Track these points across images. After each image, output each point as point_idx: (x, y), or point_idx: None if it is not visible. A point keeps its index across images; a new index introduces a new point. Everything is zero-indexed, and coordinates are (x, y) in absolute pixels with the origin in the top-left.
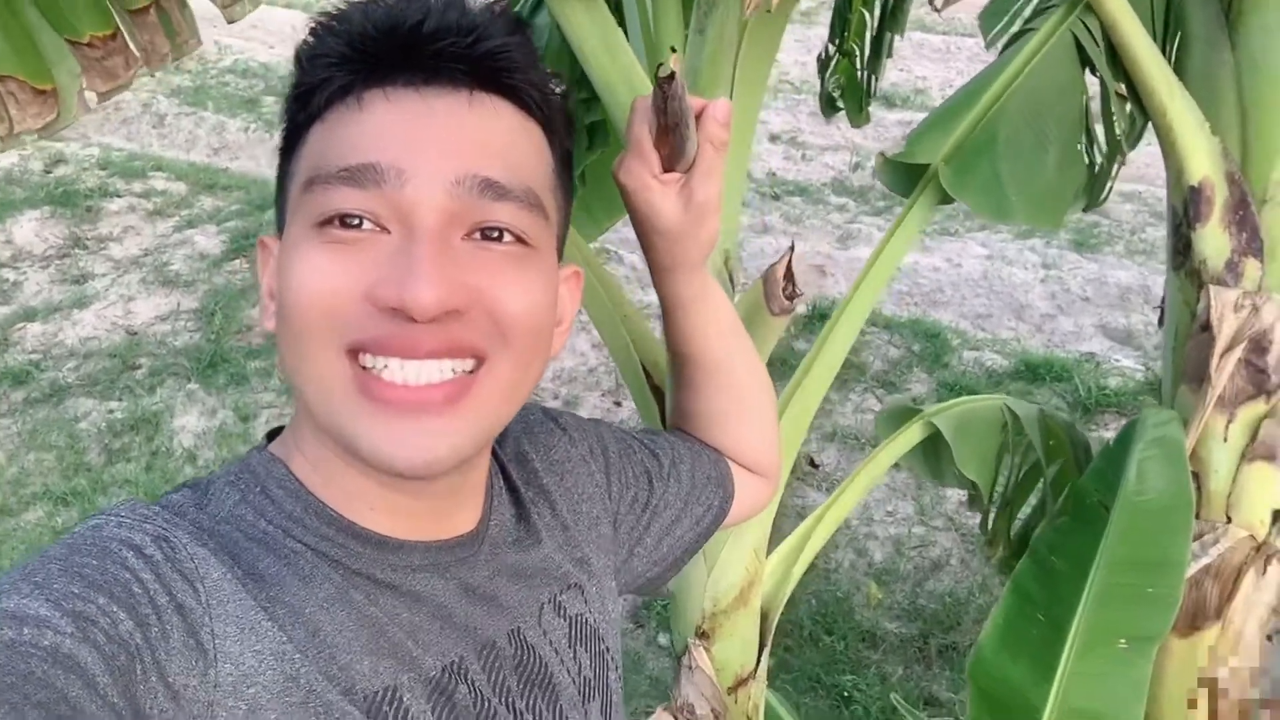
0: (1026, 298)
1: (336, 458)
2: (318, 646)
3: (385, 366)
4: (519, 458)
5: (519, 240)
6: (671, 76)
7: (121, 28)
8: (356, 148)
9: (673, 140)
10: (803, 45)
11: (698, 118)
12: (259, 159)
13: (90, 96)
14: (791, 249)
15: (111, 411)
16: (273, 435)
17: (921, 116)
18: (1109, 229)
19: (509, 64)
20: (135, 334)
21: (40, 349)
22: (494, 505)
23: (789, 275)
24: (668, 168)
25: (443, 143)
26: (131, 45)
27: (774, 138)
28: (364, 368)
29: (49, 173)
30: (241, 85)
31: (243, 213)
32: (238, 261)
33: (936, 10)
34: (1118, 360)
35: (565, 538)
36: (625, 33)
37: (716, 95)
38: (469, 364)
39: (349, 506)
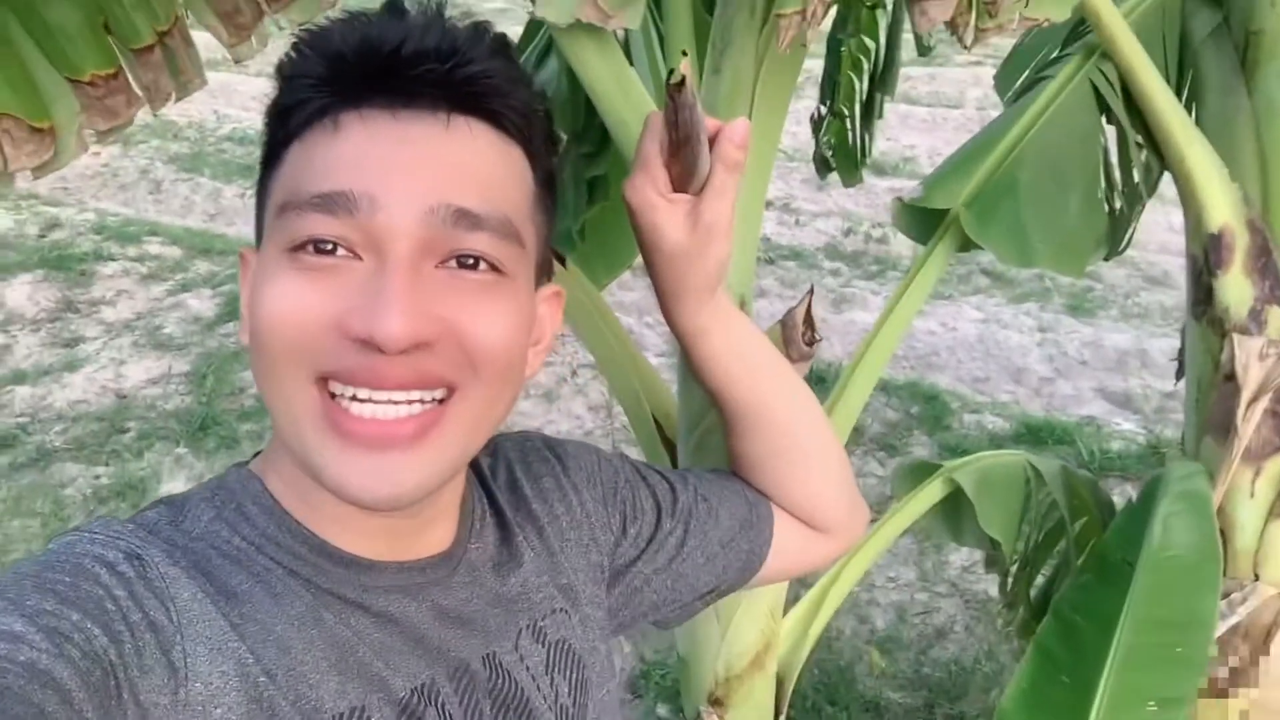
0: (1024, 361)
1: (309, 478)
2: (287, 666)
3: (353, 396)
4: (510, 485)
5: (493, 269)
6: (682, 83)
7: (124, 66)
8: (330, 174)
9: (684, 158)
10: (792, 116)
11: (712, 139)
12: (253, 223)
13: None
14: (810, 292)
15: (98, 477)
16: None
17: (912, 184)
18: (1103, 293)
19: (489, 89)
20: (125, 397)
21: (28, 412)
22: (477, 529)
23: (808, 320)
24: (678, 188)
25: (417, 170)
26: (134, 84)
27: (768, 204)
28: (332, 395)
29: (44, 236)
30: (239, 153)
31: (237, 277)
32: (231, 324)
33: (965, 48)
34: (1118, 424)
35: (551, 563)
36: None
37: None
38: (439, 393)
39: (322, 525)
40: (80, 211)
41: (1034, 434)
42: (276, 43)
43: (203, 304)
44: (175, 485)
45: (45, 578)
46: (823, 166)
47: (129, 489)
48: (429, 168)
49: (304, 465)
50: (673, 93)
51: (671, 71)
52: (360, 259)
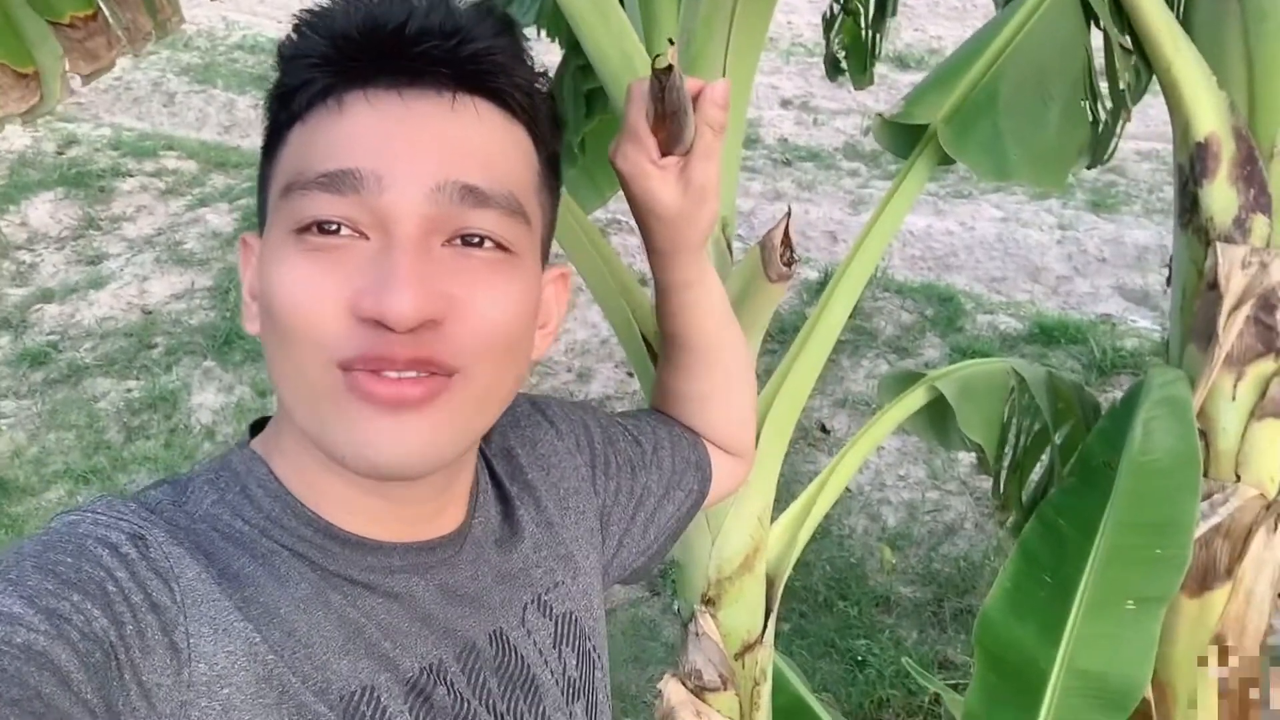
0: (1042, 260)
1: (315, 461)
2: (293, 647)
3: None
4: (505, 453)
5: (500, 247)
6: (669, 69)
7: (103, 7)
8: (336, 153)
9: (670, 125)
10: (815, 7)
11: (695, 100)
12: None
13: (74, 79)
14: (788, 214)
15: (129, 390)
16: (256, 426)
17: None
18: (1126, 188)
19: (493, 67)
20: (151, 313)
21: (58, 330)
22: (479, 503)
23: (786, 241)
24: (665, 151)
25: (423, 148)
26: (113, 24)
27: (785, 103)
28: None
29: (61, 154)
30: (250, 62)
31: (254, 190)
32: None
33: None
34: (1134, 321)
35: (551, 535)
36: None
37: (711, 56)
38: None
39: (328, 508)
40: (96, 127)
41: (1047, 333)
42: None
43: (221, 219)
44: (205, 397)
45: (46, 558)
46: (833, 68)
47: (160, 400)
48: (435, 146)
49: (317, 442)
50: (660, 76)
51: (658, 56)
52: (367, 238)
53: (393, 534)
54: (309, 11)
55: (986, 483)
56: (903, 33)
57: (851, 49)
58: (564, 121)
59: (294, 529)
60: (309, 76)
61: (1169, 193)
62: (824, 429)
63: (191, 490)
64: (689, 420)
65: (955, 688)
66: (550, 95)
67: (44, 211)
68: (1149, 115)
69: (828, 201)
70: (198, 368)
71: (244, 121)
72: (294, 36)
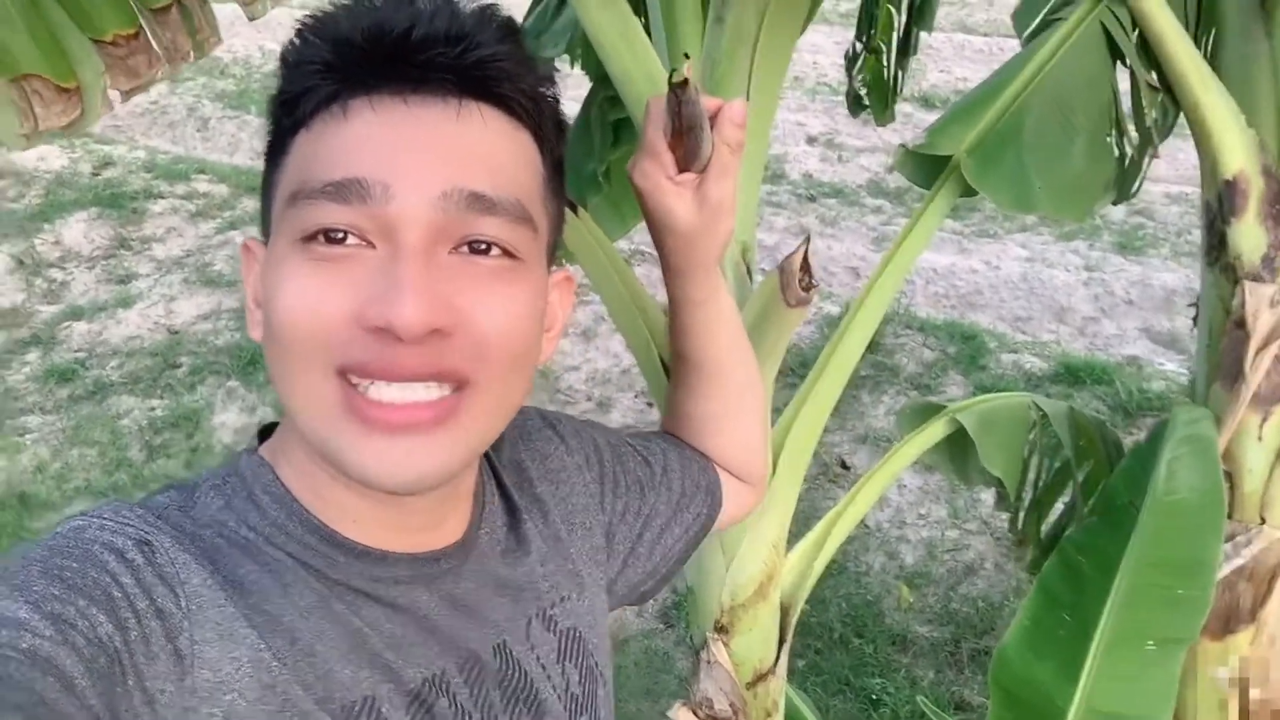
0: (1068, 300)
1: (321, 470)
2: (296, 655)
3: (371, 384)
4: (514, 465)
5: (507, 254)
6: (685, 83)
7: (144, 26)
8: (341, 161)
9: (687, 142)
10: (840, 47)
11: (713, 119)
12: None
13: (114, 95)
14: (807, 240)
15: (153, 409)
16: (264, 431)
17: None
18: (1154, 231)
19: (499, 73)
20: (177, 333)
21: (85, 347)
22: (485, 513)
23: (805, 266)
24: (683, 168)
25: (429, 156)
26: (154, 43)
27: (811, 140)
28: (352, 384)
29: (97, 175)
30: None
31: None
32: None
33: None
34: (1161, 364)
35: (557, 549)
36: (646, 23)
37: (734, 84)
38: (451, 386)
39: (334, 517)
40: (131, 149)
41: (1072, 374)
42: None
43: None
44: (228, 416)
45: (53, 563)
46: (855, 104)
47: (183, 419)
48: (441, 153)
49: (324, 454)
50: (677, 90)
51: (674, 71)
52: (373, 247)
53: (398, 543)
54: (312, 16)
55: (1007, 523)
56: (929, 74)
57: (873, 86)
58: (567, 123)
59: (299, 537)
60: (313, 83)
61: (1197, 236)
62: (844, 465)
63: (198, 496)
64: (699, 443)
65: None
66: (555, 99)
67: (78, 231)
68: (1178, 159)
69: (851, 237)
70: (221, 387)
71: None
72: (297, 42)
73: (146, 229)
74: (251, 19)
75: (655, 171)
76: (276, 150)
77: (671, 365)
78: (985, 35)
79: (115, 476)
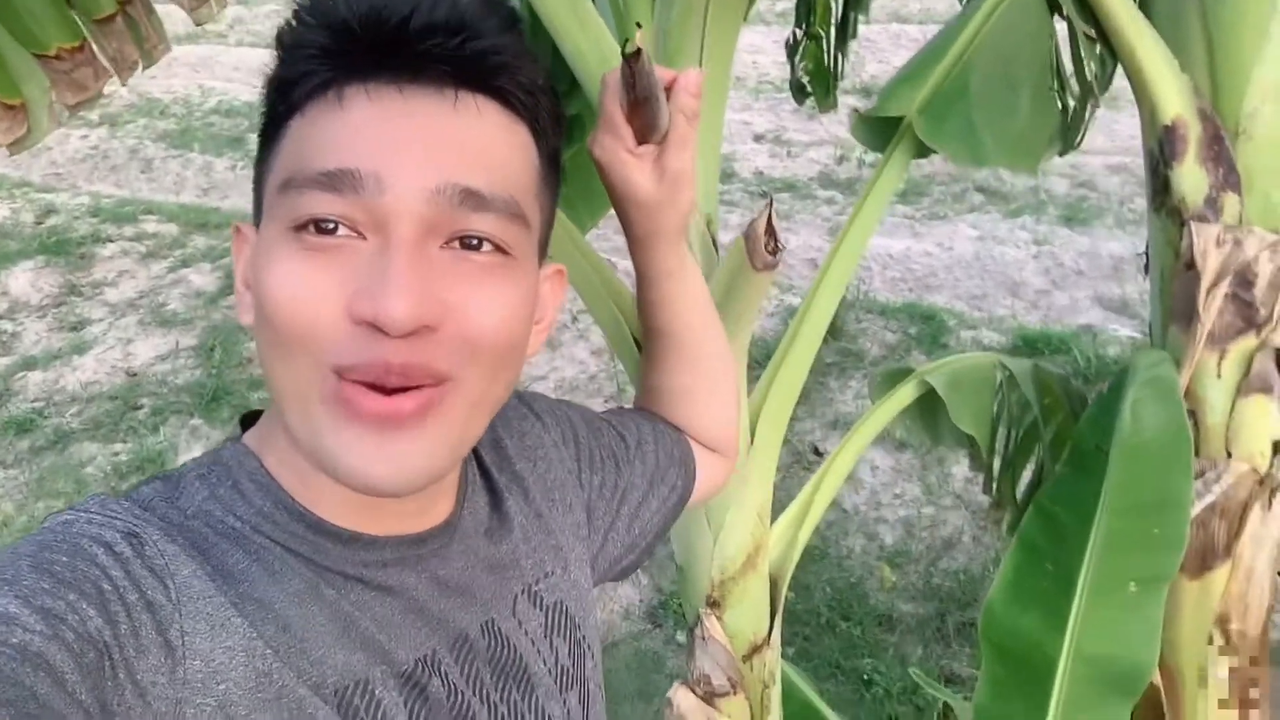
0: (1020, 275)
1: (307, 459)
2: (288, 642)
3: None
4: (494, 444)
5: (498, 250)
6: (638, 53)
7: (89, 38)
8: (335, 151)
9: (644, 113)
10: (779, 47)
11: (668, 89)
12: (249, 195)
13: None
14: (770, 203)
15: (116, 454)
16: (246, 418)
17: None
18: (1097, 201)
19: (498, 65)
20: (135, 375)
21: (42, 396)
22: (468, 494)
23: (770, 230)
24: (641, 140)
25: (424, 149)
26: (100, 56)
27: (758, 137)
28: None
29: (40, 223)
30: (226, 125)
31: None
32: (234, 296)
33: None
34: (1115, 330)
35: (539, 525)
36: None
37: (687, 55)
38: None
39: (319, 503)
40: (74, 196)
41: (1030, 345)
42: (255, 10)
43: (204, 279)
44: (193, 455)
45: (42, 557)
46: (799, 92)
47: (148, 463)
48: (436, 147)
49: (310, 451)
50: (629, 61)
51: (626, 41)
52: (364, 238)
53: (384, 527)
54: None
55: (981, 496)
56: (867, 65)
57: (815, 74)
58: (565, 116)
59: (285, 524)
60: (309, 68)
61: (1140, 204)
62: (817, 451)
63: (184, 486)
64: (673, 416)
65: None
66: (554, 92)
67: (24, 281)
68: (1115, 130)
69: (806, 230)
70: (184, 427)
71: (222, 183)
72: (293, 24)
73: (96, 274)
74: (198, 24)
75: (614, 145)
76: (270, 135)
77: (643, 340)
78: (920, 24)
79: None
